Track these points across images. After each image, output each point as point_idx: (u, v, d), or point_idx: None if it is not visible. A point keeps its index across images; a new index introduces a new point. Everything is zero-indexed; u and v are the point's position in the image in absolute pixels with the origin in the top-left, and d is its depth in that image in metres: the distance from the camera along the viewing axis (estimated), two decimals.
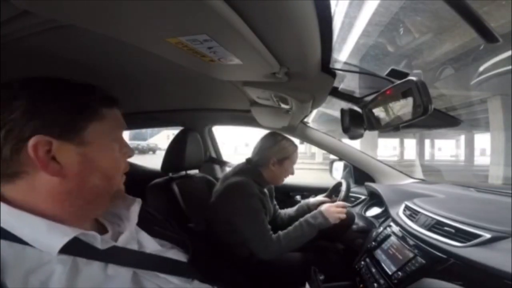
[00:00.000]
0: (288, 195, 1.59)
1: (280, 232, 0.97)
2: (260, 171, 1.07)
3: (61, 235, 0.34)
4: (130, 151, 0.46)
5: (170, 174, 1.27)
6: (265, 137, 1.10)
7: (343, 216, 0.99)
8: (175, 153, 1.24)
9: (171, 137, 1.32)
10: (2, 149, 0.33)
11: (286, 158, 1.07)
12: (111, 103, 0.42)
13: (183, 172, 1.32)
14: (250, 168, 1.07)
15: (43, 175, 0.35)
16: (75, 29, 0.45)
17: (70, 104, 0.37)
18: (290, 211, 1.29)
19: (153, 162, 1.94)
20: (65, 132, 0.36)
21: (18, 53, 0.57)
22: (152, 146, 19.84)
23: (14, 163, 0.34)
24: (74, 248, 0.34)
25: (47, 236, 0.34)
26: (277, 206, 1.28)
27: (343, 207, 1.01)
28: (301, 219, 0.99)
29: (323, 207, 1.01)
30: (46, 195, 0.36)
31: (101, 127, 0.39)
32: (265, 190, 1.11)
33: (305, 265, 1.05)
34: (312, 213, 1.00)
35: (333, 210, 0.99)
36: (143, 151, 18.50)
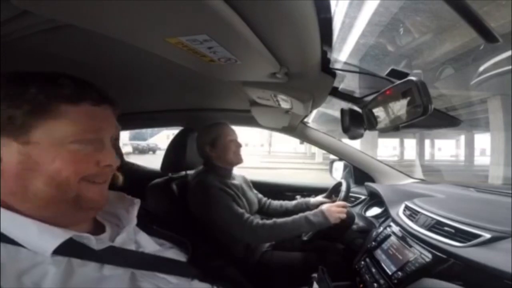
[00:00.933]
0: (287, 194, 1.59)
1: (276, 220, 0.96)
2: (210, 162, 1.11)
3: (52, 238, 0.34)
4: (109, 159, 0.39)
5: (170, 174, 1.27)
6: (196, 138, 1.16)
7: (343, 216, 0.99)
8: (175, 153, 1.24)
9: (171, 137, 1.32)
10: None
11: (217, 138, 1.10)
12: (77, 99, 0.36)
13: (183, 172, 1.32)
14: (203, 167, 1.13)
15: None
16: (75, 29, 0.45)
17: (19, 99, 0.33)
18: (288, 204, 1.29)
19: (153, 162, 1.94)
20: (9, 128, 0.33)
21: (18, 53, 0.57)
22: (152, 146, 19.82)
23: None
24: (68, 249, 0.34)
25: (38, 239, 0.34)
26: (259, 195, 1.29)
27: (344, 207, 1.01)
28: (302, 214, 0.98)
29: (324, 207, 1.00)
30: (5, 195, 0.34)
31: (55, 127, 0.35)
32: (235, 181, 1.12)
33: (305, 265, 1.06)
34: (313, 211, 0.99)
35: (334, 210, 0.98)
36: (143, 151, 18.50)
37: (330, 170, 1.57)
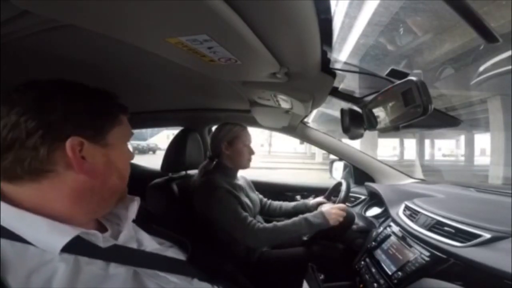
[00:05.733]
0: (287, 195, 1.59)
1: (276, 223, 0.97)
2: (220, 161, 1.11)
3: (62, 235, 0.34)
4: (132, 154, 0.50)
5: (170, 174, 1.27)
6: (213, 131, 1.15)
7: (341, 219, 1.00)
8: (175, 153, 1.24)
9: (171, 137, 1.32)
10: (39, 148, 0.34)
11: (235, 138, 1.10)
12: (126, 110, 0.46)
13: (183, 172, 1.32)
14: (212, 163, 1.12)
15: (71, 174, 0.37)
16: (75, 29, 0.45)
17: (100, 109, 0.41)
18: (287, 205, 1.29)
19: (153, 162, 1.94)
20: (96, 134, 0.40)
21: (18, 53, 0.57)
22: (152, 146, 19.80)
23: (48, 162, 0.35)
24: (76, 246, 0.34)
25: (48, 236, 0.34)
26: (260, 196, 1.29)
27: (343, 209, 1.02)
28: (302, 216, 0.99)
29: (325, 208, 1.01)
30: (69, 193, 0.37)
31: (120, 132, 0.43)
32: (239, 182, 1.13)
33: (305, 264, 1.06)
34: (314, 212, 1.00)
35: (334, 212, 0.99)
36: (143, 151, 18.48)
37: (330, 170, 1.57)
